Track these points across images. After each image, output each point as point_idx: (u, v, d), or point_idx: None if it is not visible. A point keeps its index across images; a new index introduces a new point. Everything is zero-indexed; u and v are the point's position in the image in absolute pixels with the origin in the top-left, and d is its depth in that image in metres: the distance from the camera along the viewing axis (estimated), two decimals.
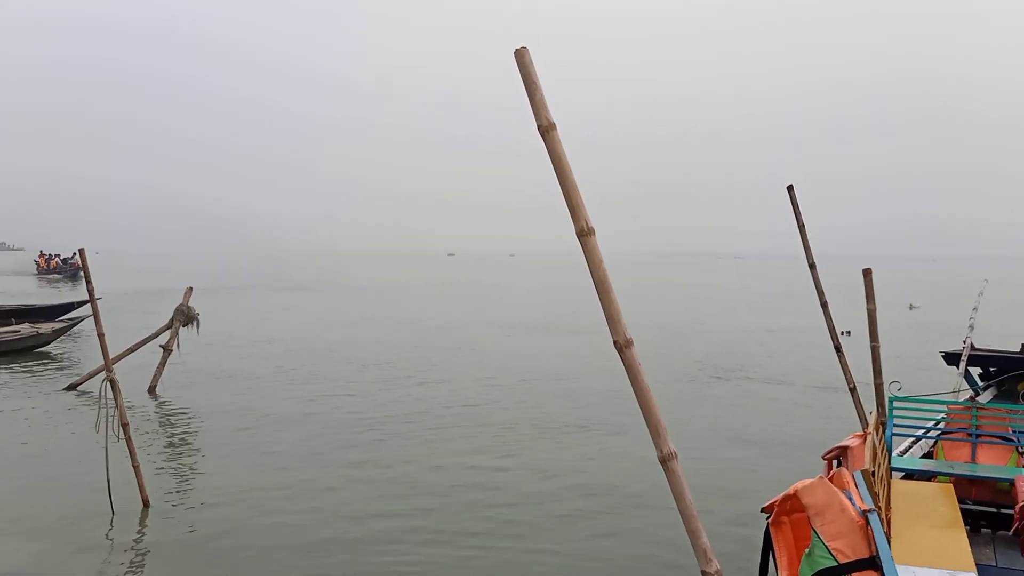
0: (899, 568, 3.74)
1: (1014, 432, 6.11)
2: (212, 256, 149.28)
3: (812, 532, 3.03)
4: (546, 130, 2.45)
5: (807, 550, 3.01)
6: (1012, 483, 5.07)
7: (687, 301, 42.14)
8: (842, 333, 6.71)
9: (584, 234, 2.48)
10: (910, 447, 6.90)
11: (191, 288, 15.19)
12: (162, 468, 9.46)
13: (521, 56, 2.43)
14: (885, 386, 6.15)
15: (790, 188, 5.97)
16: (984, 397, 9.30)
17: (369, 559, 6.79)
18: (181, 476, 9.26)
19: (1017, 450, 6.01)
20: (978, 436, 6.09)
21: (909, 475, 6.08)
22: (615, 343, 2.47)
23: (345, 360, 18.36)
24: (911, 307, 36.43)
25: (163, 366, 14.39)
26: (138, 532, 7.45)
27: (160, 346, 14.47)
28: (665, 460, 2.43)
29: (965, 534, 4.39)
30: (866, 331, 5.82)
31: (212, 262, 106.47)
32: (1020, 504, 4.39)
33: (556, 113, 2.46)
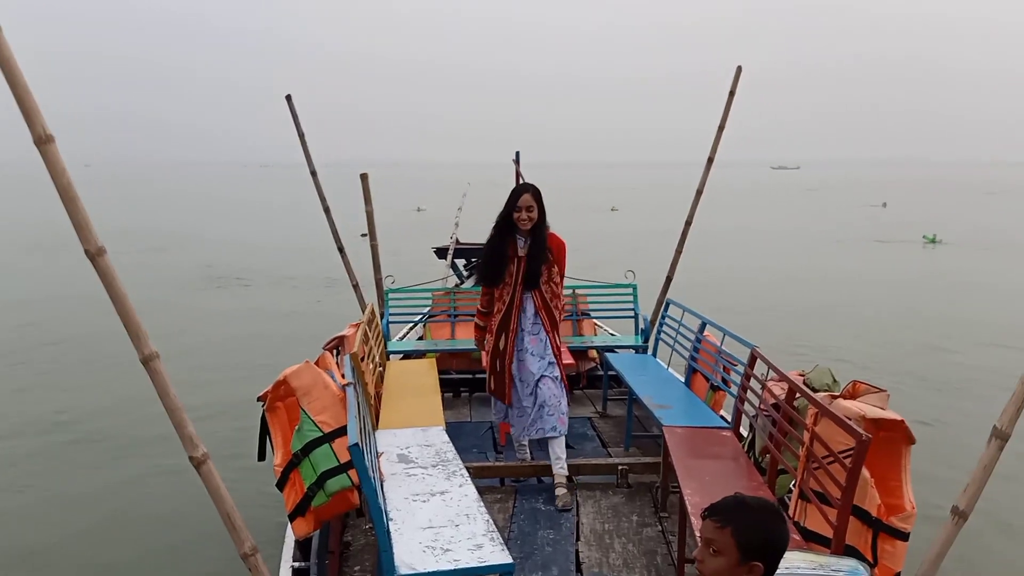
0: (382, 432, 4.39)
1: None
2: None
3: (301, 411, 3.41)
4: None
5: (297, 427, 3.39)
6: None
7: (208, 212, 40.75)
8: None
9: (43, 142, 2.39)
10: (408, 332, 7.87)
11: None
12: None
13: None
14: (384, 281, 6.92)
15: (288, 98, 6.19)
16: (468, 284, 10.91)
17: None
18: None
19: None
20: (456, 316, 7.21)
21: (408, 356, 6.97)
22: (86, 252, 2.46)
23: None
24: (418, 209, 40.10)
25: None
26: None
27: None
28: (147, 361, 2.54)
29: (440, 398, 5.23)
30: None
31: None
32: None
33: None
